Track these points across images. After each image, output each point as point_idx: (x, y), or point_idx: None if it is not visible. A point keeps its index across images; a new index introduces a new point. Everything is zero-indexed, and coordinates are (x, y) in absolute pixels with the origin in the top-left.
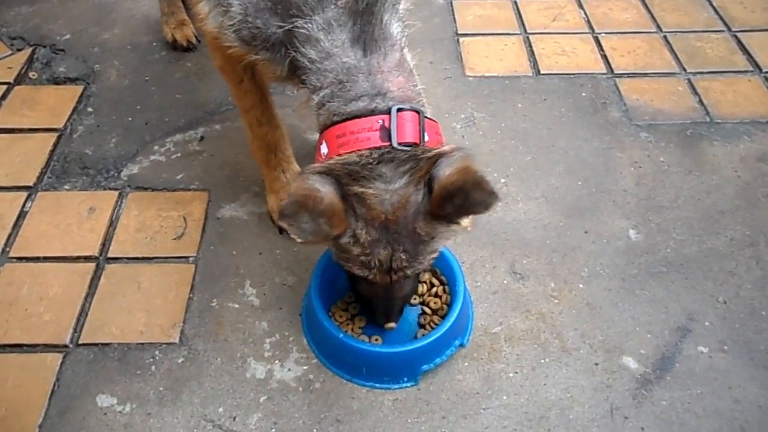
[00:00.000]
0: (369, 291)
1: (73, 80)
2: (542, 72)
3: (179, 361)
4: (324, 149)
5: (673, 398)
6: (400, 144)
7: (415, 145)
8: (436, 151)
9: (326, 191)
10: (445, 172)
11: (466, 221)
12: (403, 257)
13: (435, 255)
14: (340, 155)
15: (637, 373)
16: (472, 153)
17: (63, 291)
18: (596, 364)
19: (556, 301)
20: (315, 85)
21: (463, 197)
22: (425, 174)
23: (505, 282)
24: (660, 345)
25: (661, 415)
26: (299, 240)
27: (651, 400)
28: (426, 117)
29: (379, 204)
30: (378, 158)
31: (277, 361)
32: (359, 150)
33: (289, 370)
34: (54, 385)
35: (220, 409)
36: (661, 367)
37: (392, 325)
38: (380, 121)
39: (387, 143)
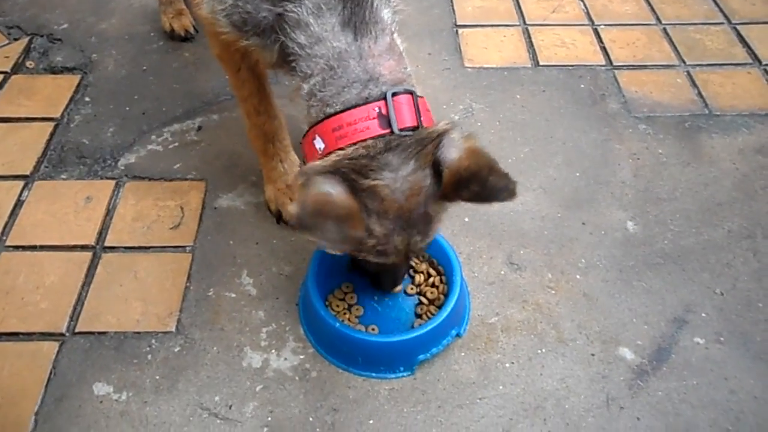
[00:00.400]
0: (377, 268)
1: (70, 70)
2: (541, 63)
3: (176, 349)
4: (320, 144)
5: (669, 389)
6: (401, 130)
7: (415, 128)
8: (437, 130)
9: (338, 192)
10: (453, 154)
11: None
12: (419, 239)
13: (439, 225)
14: (341, 149)
15: (634, 363)
16: (472, 132)
17: (60, 280)
18: (592, 354)
19: (553, 291)
20: (305, 72)
21: (480, 184)
22: (432, 156)
23: (502, 272)
24: (656, 336)
25: (656, 405)
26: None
27: (647, 391)
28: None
29: (391, 194)
30: (383, 147)
31: (273, 351)
32: (361, 141)
33: (286, 359)
34: (50, 374)
35: (216, 398)
36: (657, 358)
37: (399, 288)
38: (377, 108)
39: (387, 130)
